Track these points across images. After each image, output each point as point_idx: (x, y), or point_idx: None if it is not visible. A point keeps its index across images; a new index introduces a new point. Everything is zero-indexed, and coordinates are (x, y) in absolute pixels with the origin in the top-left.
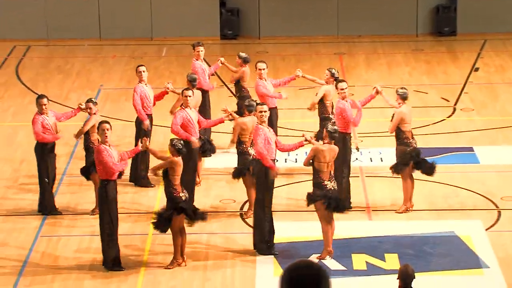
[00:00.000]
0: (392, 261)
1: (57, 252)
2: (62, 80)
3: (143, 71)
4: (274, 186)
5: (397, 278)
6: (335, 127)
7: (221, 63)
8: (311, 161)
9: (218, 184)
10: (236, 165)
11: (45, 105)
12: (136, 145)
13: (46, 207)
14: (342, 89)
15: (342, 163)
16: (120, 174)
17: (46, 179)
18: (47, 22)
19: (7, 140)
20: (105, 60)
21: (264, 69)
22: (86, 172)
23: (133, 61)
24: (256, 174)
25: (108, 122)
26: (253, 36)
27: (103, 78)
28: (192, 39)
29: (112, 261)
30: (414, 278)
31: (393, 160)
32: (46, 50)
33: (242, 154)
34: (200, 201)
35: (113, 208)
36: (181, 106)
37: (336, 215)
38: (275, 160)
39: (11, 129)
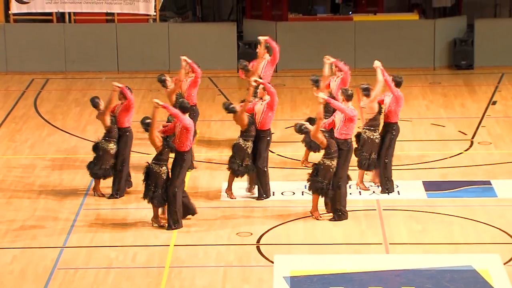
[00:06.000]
0: None
1: (74, 285)
2: (80, 112)
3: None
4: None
5: None
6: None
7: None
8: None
9: (234, 216)
10: None
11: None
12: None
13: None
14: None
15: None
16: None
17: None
18: (65, 55)
19: (25, 173)
20: None
21: None
22: None
23: (150, 93)
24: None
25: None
26: None
27: None
28: (209, 72)
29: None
30: None
31: (411, 194)
32: (64, 83)
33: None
34: (217, 233)
35: None
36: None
37: (354, 248)
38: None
39: (29, 161)
